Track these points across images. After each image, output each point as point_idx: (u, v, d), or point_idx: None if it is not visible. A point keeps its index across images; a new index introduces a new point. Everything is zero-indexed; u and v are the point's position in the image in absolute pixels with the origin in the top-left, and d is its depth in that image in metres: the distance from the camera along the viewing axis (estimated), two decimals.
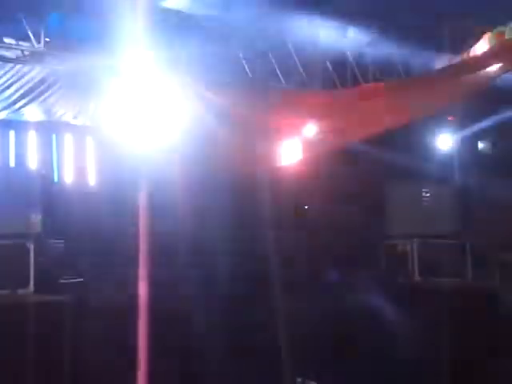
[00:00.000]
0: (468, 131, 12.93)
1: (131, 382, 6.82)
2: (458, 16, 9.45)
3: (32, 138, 11.99)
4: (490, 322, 10.33)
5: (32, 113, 11.63)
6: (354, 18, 9.56)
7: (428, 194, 12.33)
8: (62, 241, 10.38)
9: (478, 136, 13.24)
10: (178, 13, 10.07)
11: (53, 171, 12.11)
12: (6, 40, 9.34)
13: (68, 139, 12.31)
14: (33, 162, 11.86)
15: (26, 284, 8.64)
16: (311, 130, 8.64)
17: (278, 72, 10.65)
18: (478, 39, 9.42)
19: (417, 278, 11.39)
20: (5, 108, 11.26)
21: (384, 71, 11.27)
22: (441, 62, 10.62)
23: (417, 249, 11.42)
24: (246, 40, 9.47)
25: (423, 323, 10.05)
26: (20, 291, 8.50)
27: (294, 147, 8.96)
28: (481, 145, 13.47)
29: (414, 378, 9.44)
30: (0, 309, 7.42)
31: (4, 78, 10.55)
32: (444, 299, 10.21)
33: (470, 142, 13.25)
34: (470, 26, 9.42)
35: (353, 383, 8.88)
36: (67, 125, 12.10)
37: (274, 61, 10.67)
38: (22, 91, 10.92)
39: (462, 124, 12.88)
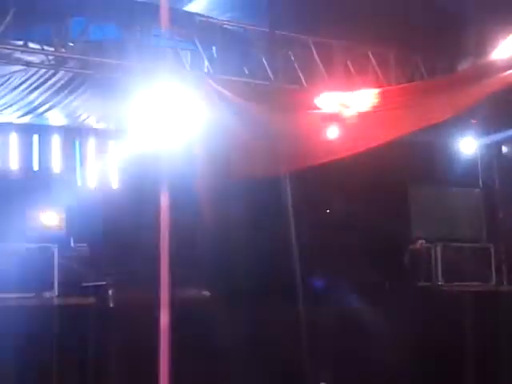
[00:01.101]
0: (492, 135, 12.85)
1: (153, 382, 6.84)
2: (482, 17, 9.40)
3: (55, 142, 12.07)
4: None
5: (55, 117, 11.71)
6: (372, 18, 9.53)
7: (452, 198, 12.28)
8: (86, 244, 10.43)
9: (502, 140, 13.15)
10: (199, 16, 10.08)
11: (76, 175, 12.17)
12: (31, 45, 9.38)
13: (91, 143, 12.38)
14: (56, 166, 11.94)
15: (50, 287, 8.70)
16: (334, 132, 8.60)
17: (300, 73, 10.62)
18: (502, 40, 9.35)
19: (440, 281, 11.33)
20: (29, 112, 11.35)
21: (406, 73, 11.21)
22: (464, 63, 10.55)
23: (440, 252, 11.36)
24: (267, 41, 9.47)
25: (446, 325, 9.99)
26: (45, 294, 8.56)
27: (317, 149, 8.92)
28: (505, 149, 13.36)
29: (438, 379, 9.39)
30: (25, 311, 7.47)
31: (28, 83, 10.62)
32: (467, 303, 10.14)
33: (494, 146, 13.15)
34: (494, 27, 9.35)
35: None
36: (90, 129, 12.17)
37: (295, 62, 10.65)
38: (45, 96, 10.98)
39: (486, 128, 12.78)
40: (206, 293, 9.45)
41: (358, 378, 8.82)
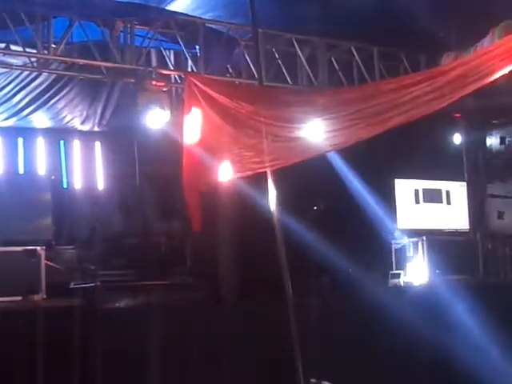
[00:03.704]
0: (476, 128, 12.92)
1: None
2: (465, 12, 9.44)
3: (40, 145, 12.05)
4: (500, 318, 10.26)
5: (40, 119, 11.70)
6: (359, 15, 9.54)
7: (438, 191, 12.32)
8: (72, 246, 10.41)
9: (486, 133, 13.22)
10: (182, 15, 10.07)
11: (62, 177, 12.16)
12: (13, 47, 9.35)
13: (76, 145, 12.37)
14: (42, 169, 11.92)
15: (37, 290, 8.67)
16: (318, 129, 8.62)
17: (285, 71, 10.65)
18: (485, 35, 9.41)
19: (427, 275, 11.35)
20: (13, 115, 11.33)
21: (391, 69, 11.26)
22: (448, 58, 10.60)
23: (427, 246, 11.39)
24: (251, 40, 9.45)
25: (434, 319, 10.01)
26: (32, 297, 8.53)
27: (301, 147, 8.94)
28: (489, 141, 13.43)
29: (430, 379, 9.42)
30: (13, 314, 7.44)
31: (11, 85, 10.60)
32: (454, 296, 10.16)
33: (478, 139, 13.21)
34: (477, 21, 9.40)
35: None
36: (75, 130, 12.17)
37: (279, 60, 10.68)
38: (29, 98, 10.97)
39: (470, 121, 12.85)
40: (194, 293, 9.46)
41: (348, 376, 8.79)
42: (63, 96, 11.10)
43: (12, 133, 11.81)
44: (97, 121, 11.94)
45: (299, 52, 10.82)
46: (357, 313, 9.60)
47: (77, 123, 11.98)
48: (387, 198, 11.68)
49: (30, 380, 7.06)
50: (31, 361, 7.12)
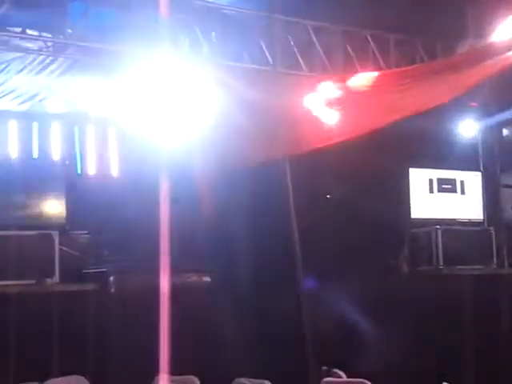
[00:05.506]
0: (492, 118, 12.81)
1: (153, 368, 6.87)
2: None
3: (55, 130, 12.06)
4: None
5: (55, 104, 11.70)
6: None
7: (452, 181, 12.26)
8: (86, 231, 10.44)
9: (503, 122, 13.12)
10: (198, 1, 10.04)
11: (76, 162, 12.17)
12: (29, 31, 9.35)
13: (90, 130, 12.38)
14: (56, 154, 11.94)
15: (51, 274, 8.71)
16: (333, 116, 8.60)
17: (299, 58, 10.60)
18: (502, 22, 9.34)
19: (441, 265, 11.31)
20: (28, 99, 11.34)
21: (406, 56, 11.18)
22: (464, 45, 10.53)
23: (441, 236, 11.35)
24: (266, 26, 9.42)
25: (448, 310, 10.01)
26: (46, 281, 8.57)
27: (317, 135, 8.93)
28: (506, 131, 13.34)
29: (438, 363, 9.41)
30: (27, 298, 7.49)
31: (27, 70, 10.61)
32: (468, 286, 10.15)
33: (494, 129, 13.12)
34: (493, 8, 9.32)
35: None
36: (89, 116, 12.17)
37: (294, 47, 10.62)
38: (44, 83, 10.98)
39: (486, 110, 12.76)
40: (207, 279, 9.47)
41: (359, 364, 8.82)
42: (79, 81, 11.10)
43: (27, 117, 11.82)
44: (111, 106, 11.93)
45: (315, 39, 10.76)
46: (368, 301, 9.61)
47: (92, 108, 11.99)
48: (401, 186, 11.65)
49: (44, 364, 7.12)
50: (45, 345, 7.17)
